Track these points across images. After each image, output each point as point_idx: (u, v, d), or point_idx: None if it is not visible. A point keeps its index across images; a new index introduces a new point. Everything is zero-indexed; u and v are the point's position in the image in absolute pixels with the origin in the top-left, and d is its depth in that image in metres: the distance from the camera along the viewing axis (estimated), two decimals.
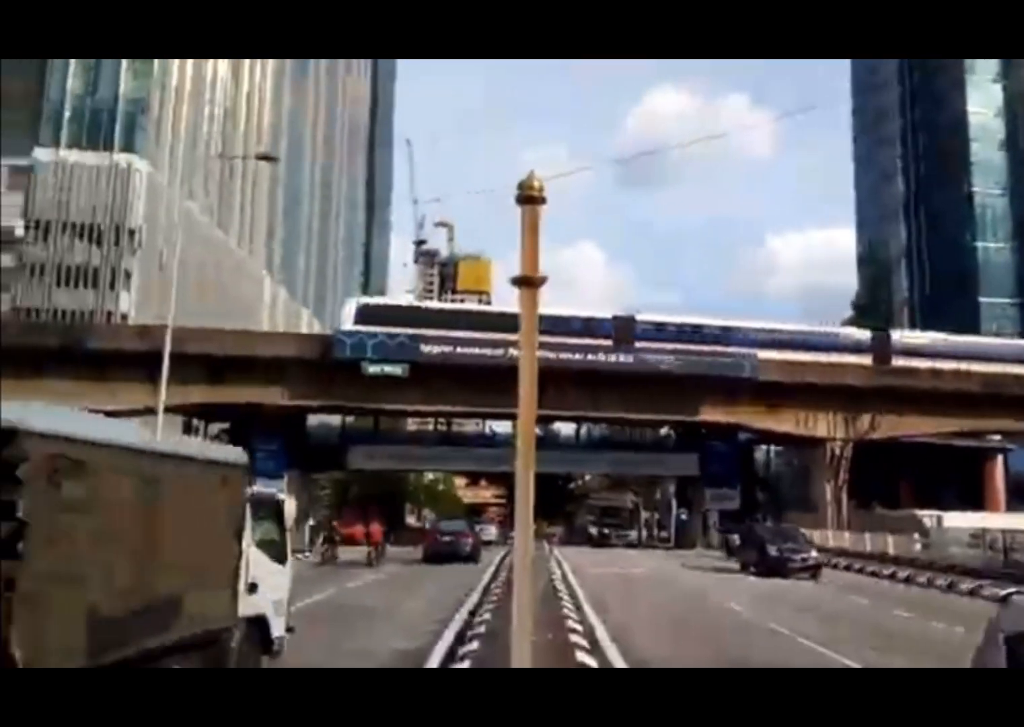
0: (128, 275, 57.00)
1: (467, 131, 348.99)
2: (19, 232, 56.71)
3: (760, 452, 61.95)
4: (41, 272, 55.72)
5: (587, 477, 74.19)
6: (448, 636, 12.31)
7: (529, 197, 3.98)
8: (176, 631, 6.27)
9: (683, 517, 52.48)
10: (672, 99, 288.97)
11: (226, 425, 49.33)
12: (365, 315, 44.50)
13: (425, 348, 41.57)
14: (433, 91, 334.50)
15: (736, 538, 34.11)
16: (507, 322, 46.86)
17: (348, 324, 44.01)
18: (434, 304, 53.55)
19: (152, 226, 59.68)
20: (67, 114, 59.86)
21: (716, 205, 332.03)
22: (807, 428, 45.51)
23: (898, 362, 47.84)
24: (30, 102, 58.43)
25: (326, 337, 41.26)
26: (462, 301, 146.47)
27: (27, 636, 4.55)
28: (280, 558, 9.52)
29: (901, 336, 52.63)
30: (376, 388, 41.73)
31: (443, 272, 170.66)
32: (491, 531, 46.95)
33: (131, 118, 60.87)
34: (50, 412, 5.22)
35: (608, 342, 44.34)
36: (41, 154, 58.30)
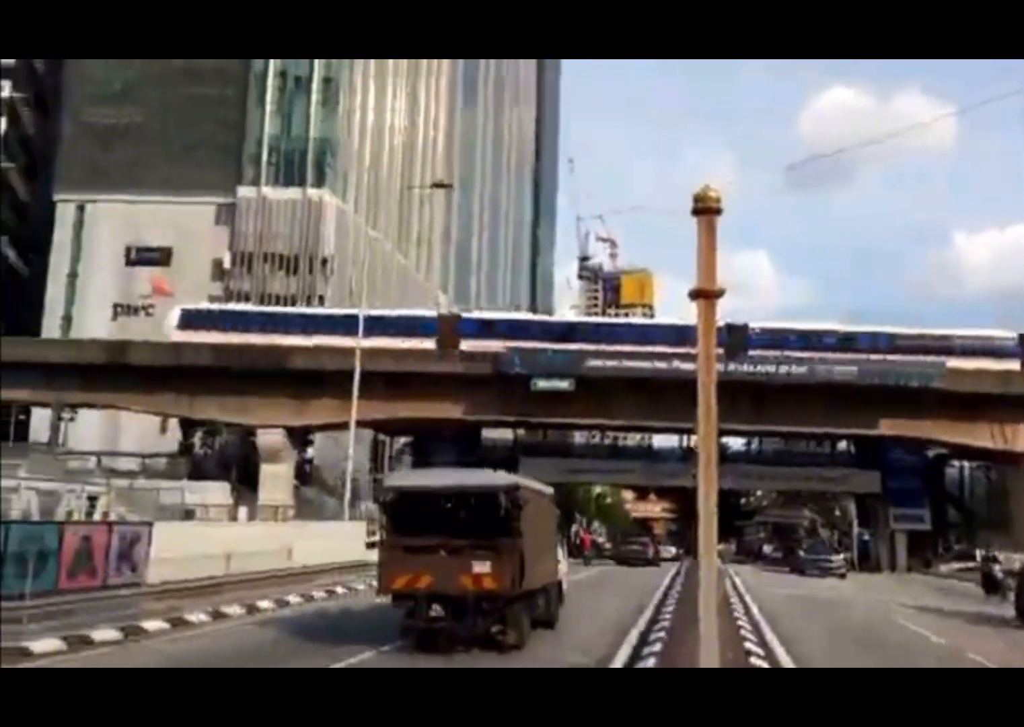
0: (322, 301, 60.61)
1: (629, 143, 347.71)
2: (227, 264, 61.76)
3: (953, 468, 56.96)
4: (247, 300, 60.34)
5: (758, 493, 71.35)
6: (658, 594, 21.07)
7: (705, 208, 3.84)
8: (543, 579, 13.47)
9: (865, 537, 49.16)
10: (841, 99, 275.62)
11: (409, 439, 51.22)
12: (187, 320, 45.37)
13: (591, 362, 41.55)
14: (596, 108, 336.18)
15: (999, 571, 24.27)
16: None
17: (172, 330, 44.89)
18: (263, 308, 53.35)
19: (342, 254, 63.29)
20: (265, 155, 64.57)
21: (893, 206, 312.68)
22: (1005, 442, 41.49)
23: None
24: (233, 145, 63.63)
25: (497, 354, 42.03)
26: (627, 315, 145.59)
27: (523, 570, 11.60)
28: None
29: None
30: (544, 402, 42.09)
31: (606, 287, 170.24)
32: (670, 550, 51.78)
33: (321, 156, 64.83)
34: (513, 477, 12.86)
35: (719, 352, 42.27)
36: (244, 192, 63.22)
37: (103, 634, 11.90)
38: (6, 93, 65.10)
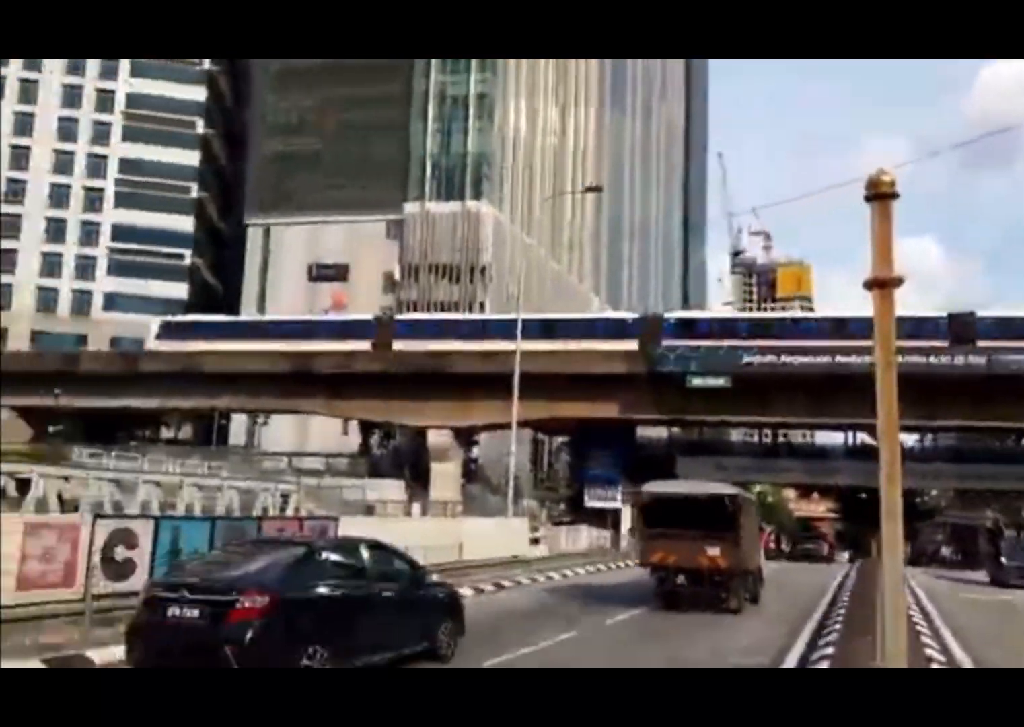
0: (482, 307, 62.10)
1: (776, 134, 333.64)
2: (396, 276, 64.54)
3: None
4: (415, 309, 62.79)
5: (933, 492, 66.37)
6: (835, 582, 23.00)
7: (880, 193, 3.63)
8: (752, 564, 16.92)
9: None
10: (1012, 72, 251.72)
11: (566, 438, 51.48)
12: (166, 331, 46.77)
13: (748, 358, 40.12)
14: (744, 100, 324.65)
15: None
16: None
17: (151, 340, 45.85)
18: (249, 318, 52.65)
19: (499, 262, 64.63)
20: (428, 172, 66.93)
21: None
22: None
23: None
24: (400, 165, 66.39)
25: (651, 352, 41.44)
26: (783, 308, 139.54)
27: (740, 554, 15.76)
28: None
29: None
30: (699, 399, 41.07)
31: (761, 280, 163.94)
32: (844, 555, 51.62)
33: (478, 169, 66.47)
34: (734, 488, 17.09)
35: (942, 344, 39.09)
36: (410, 208, 65.85)
37: None
38: (200, 129, 71.03)
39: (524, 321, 30.11)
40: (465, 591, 17.58)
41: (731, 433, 61.38)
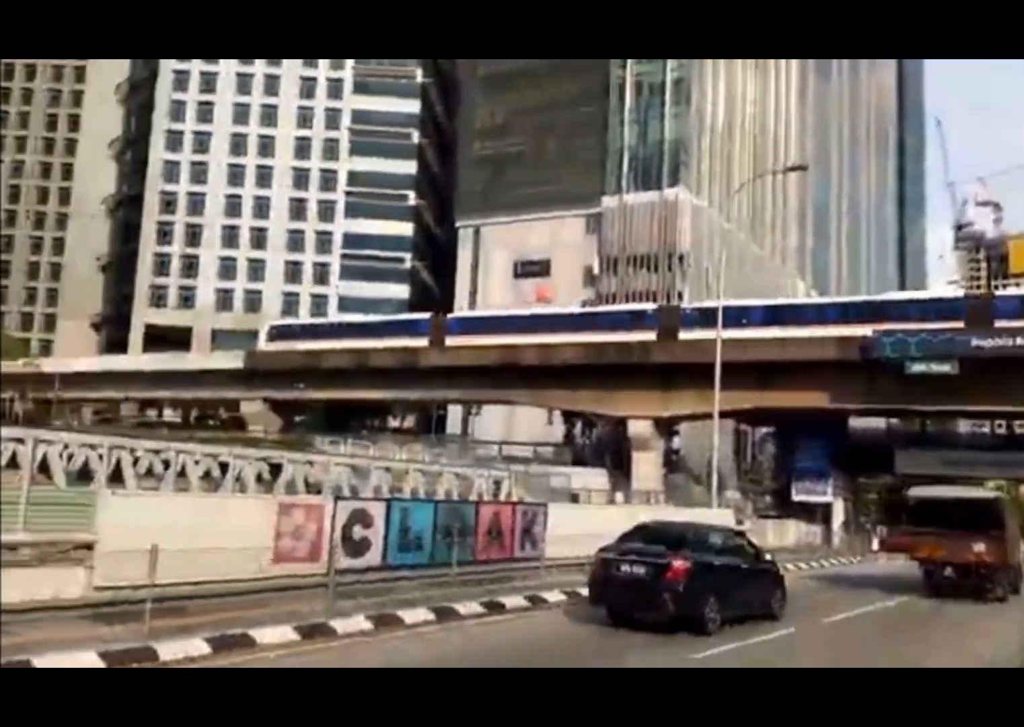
0: (680, 296, 60.97)
1: (1006, 92, 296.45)
2: (596, 270, 64.91)
3: None
4: (613, 300, 62.85)
5: None
6: None
7: None
8: (1014, 558, 18.33)
9: None
10: None
11: (771, 429, 49.42)
12: (274, 335, 49.82)
13: (978, 341, 36.30)
14: (962, 61, 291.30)
15: None
16: None
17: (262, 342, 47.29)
18: (347, 318, 51.00)
19: (697, 250, 63.08)
20: (626, 163, 66.55)
21: None
22: None
23: None
24: (598, 159, 66.55)
25: (864, 338, 38.67)
26: (1017, 285, 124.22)
27: (1004, 550, 17.75)
28: None
29: None
30: (920, 387, 37.79)
31: (991, 255, 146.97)
32: None
33: (675, 156, 65.13)
34: (996, 492, 20.92)
35: None
36: (608, 201, 65.85)
37: (514, 601, 13.39)
38: (415, 139, 75.17)
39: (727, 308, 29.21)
40: None
41: (958, 424, 55.99)
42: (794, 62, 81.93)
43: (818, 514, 39.90)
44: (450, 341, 47.94)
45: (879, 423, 48.78)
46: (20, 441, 14.06)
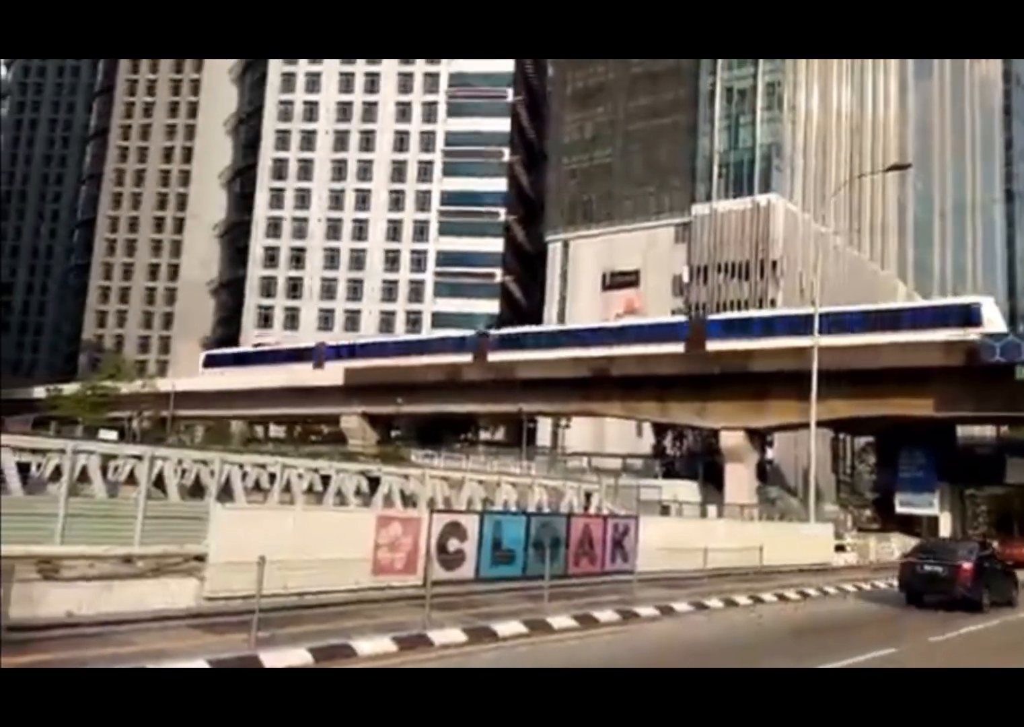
0: (773, 303, 59.33)
1: None
2: (685, 279, 63.93)
3: None
4: (703, 310, 61.73)
5: None
6: None
7: None
8: None
9: None
10: None
11: (871, 438, 47.38)
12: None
13: None
14: None
15: None
16: None
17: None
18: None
19: (790, 255, 61.28)
20: (716, 170, 65.41)
21: None
22: None
23: None
24: (687, 168, 65.67)
25: (971, 342, 36.61)
26: None
27: None
28: None
29: None
30: None
31: None
32: None
33: (767, 161, 63.61)
34: None
35: None
36: (697, 209, 64.83)
37: (606, 615, 13.27)
38: (506, 158, 76.05)
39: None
40: (770, 597, 17.14)
41: None
42: (892, 60, 78.75)
43: (924, 526, 37.86)
44: (492, 357, 48.92)
45: (988, 431, 46.05)
46: (138, 458, 14.91)
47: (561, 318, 70.05)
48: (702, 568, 18.09)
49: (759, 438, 43.96)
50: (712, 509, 31.70)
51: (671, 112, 67.01)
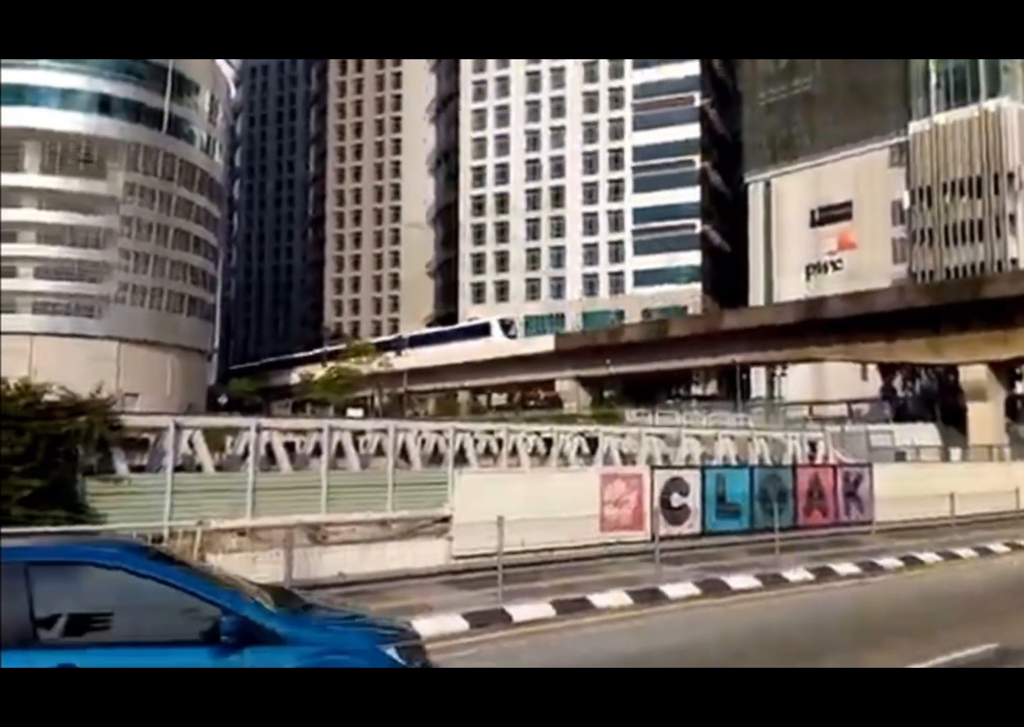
0: (1012, 220, 52.22)
1: None
2: (906, 204, 57.87)
3: None
4: (929, 235, 55.68)
5: None
6: None
7: None
8: None
9: None
10: None
11: None
12: None
13: None
14: None
15: None
16: None
17: None
18: None
19: None
20: (933, 81, 58.30)
21: None
22: None
23: None
24: (897, 84, 59.06)
25: None
26: None
27: None
28: None
29: None
30: None
31: None
32: None
33: (993, 64, 55.65)
34: None
35: None
36: (915, 126, 58.24)
37: (844, 568, 12.68)
38: (697, 102, 72.63)
39: None
40: None
41: None
42: None
43: None
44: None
45: None
46: (384, 431, 16.26)
47: (768, 262, 66.35)
48: (949, 515, 16.66)
49: (1005, 371, 39.19)
50: (955, 452, 28.88)
51: None
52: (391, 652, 4.41)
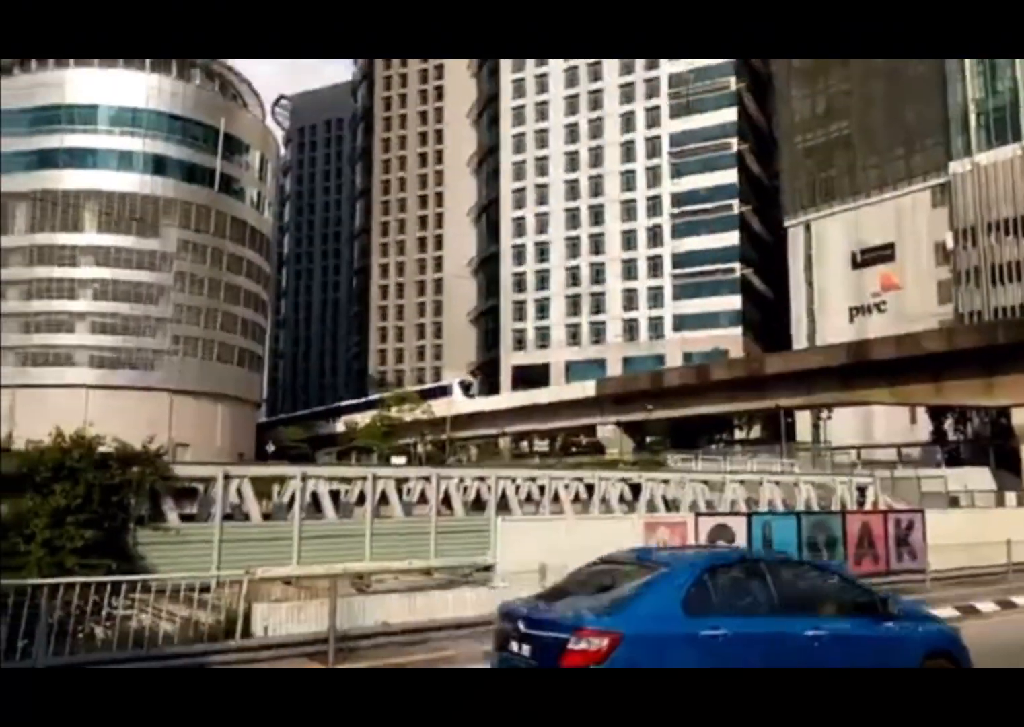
0: None
1: None
2: (950, 245, 57.03)
3: None
4: (975, 275, 54.64)
5: None
6: None
7: None
8: None
9: None
10: None
11: None
12: None
13: None
14: None
15: None
16: None
17: None
18: None
19: None
20: (973, 121, 57.91)
21: None
22: None
23: None
24: (937, 124, 58.80)
25: None
26: None
27: None
28: None
29: None
30: None
31: None
32: None
33: None
34: None
35: None
36: (956, 166, 57.69)
37: None
38: (735, 148, 73.10)
39: None
40: None
41: None
42: None
43: None
44: None
45: None
46: (427, 479, 16.38)
47: (810, 304, 65.64)
48: (1005, 563, 16.05)
49: None
50: (1011, 496, 27.81)
51: (911, 66, 60.48)
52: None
